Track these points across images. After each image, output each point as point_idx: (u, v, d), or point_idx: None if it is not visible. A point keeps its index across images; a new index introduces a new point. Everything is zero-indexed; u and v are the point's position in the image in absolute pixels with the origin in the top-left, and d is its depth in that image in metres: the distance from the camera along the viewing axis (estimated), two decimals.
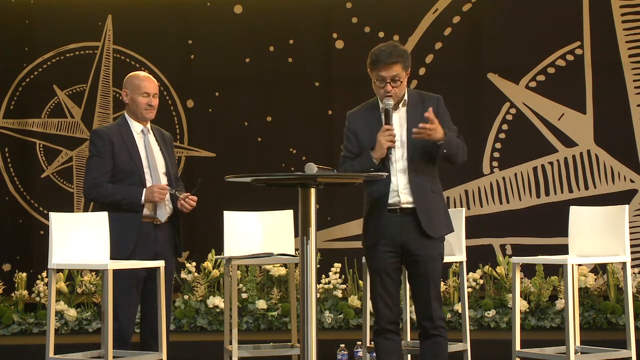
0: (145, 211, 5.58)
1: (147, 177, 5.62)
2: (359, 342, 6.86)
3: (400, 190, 4.98)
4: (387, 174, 4.93)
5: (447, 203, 8.63)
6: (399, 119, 5.03)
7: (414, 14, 8.80)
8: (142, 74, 5.79)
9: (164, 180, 5.68)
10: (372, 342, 5.17)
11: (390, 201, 4.99)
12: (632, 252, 5.93)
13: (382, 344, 5.08)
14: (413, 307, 7.06)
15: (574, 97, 8.61)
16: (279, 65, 8.92)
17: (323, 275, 7.90)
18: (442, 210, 5.09)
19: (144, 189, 5.57)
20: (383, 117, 5.01)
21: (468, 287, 7.37)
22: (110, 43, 9.01)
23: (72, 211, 8.73)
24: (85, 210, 8.76)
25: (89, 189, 5.63)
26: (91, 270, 7.81)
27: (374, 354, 6.62)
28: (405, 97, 5.05)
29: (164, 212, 5.64)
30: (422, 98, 5.09)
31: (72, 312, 7.77)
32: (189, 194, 5.70)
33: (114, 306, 5.45)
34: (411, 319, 6.47)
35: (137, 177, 5.59)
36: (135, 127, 5.69)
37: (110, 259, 5.45)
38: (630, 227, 5.83)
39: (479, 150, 8.71)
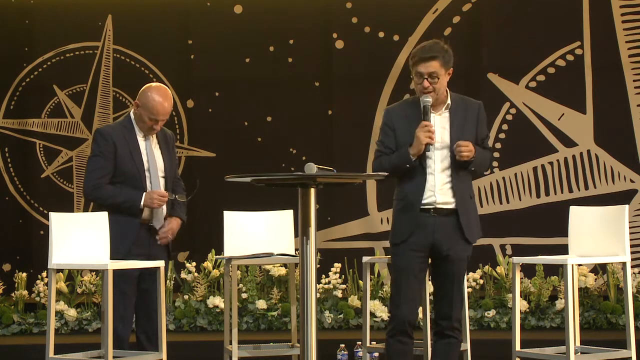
0: (143, 215, 5.58)
1: (147, 180, 5.62)
2: (359, 342, 6.86)
3: (437, 190, 4.96)
4: (386, 174, 4.93)
5: None
6: (440, 121, 5.00)
7: (414, 14, 8.80)
8: (161, 95, 5.60)
9: (162, 184, 5.68)
10: (385, 342, 5.10)
11: (425, 200, 4.96)
12: (632, 252, 5.93)
13: (395, 346, 5.03)
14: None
15: (574, 97, 8.61)
16: (279, 65, 8.91)
17: (323, 275, 7.90)
18: (476, 217, 5.09)
19: (144, 194, 5.56)
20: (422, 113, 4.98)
21: (468, 287, 7.37)
22: (110, 43, 9.01)
23: (72, 211, 8.73)
24: (85, 210, 8.76)
25: (89, 190, 5.63)
26: (91, 270, 7.81)
27: (375, 354, 6.65)
28: (449, 101, 5.02)
29: (160, 219, 5.65)
30: (464, 102, 5.08)
31: (72, 312, 7.77)
32: (184, 197, 5.72)
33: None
34: None
35: (137, 180, 5.59)
36: (139, 131, 5.68)
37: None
38: (630, 227, 5.83)
39: None
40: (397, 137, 5.04)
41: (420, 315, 5.68)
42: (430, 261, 5.05)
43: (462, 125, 5.00)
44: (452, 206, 4.96)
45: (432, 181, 4.97)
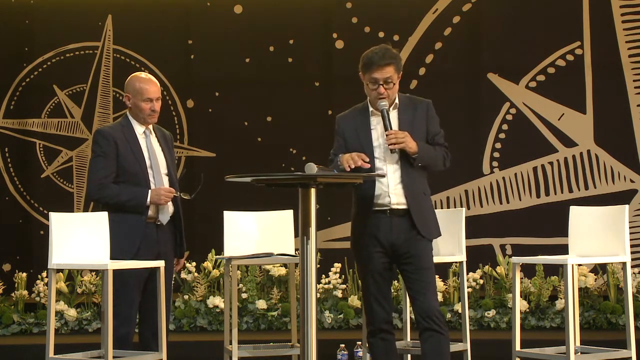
0: (149, 212, 5.58)
1: (150, 178, 5.62)
2: (359, 342, 6.86)
3: (391, 191, 4.99)
4: (383, 173, 4.95)
5: (447, 203, 8.70)
6: (390, 122, 5.03)
7: (414, 14, 8.80)
8: (144, 76, 5.71)
9: (165, 181, 5.67)
10: (367, 343, 5.16)
11: (379, 202, 4.99)
12: (632, 252, 5.92)
13: (378, 344, 5.08)
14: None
15: (574, 97, 8.61)
16: (279, 65, 8.92)
17: (323, 275, 7.90)
18: (432, 214, 5.12)
19: (149, 191, 5.56)
20: (373, 120, 5.02)
21: (468, 287, 7.37)
22: (110, 43, 9.02)
23: (72, 211, 8.73)
24: (85, 210, 8.77)
25: (94, 190, 5.61)
26: (91, 270, 7.81)
27: None
28: (397, 101, 5.07)
29: (167, 214, 5.64)
30: (412, 102, 5.13)
31: (72, 312, 7.77)
32: (188, 195, 5.71)
33: (115, 306, 5.45)
34: (411, 318, 6.48)
35: (141, 178, 5.59)
36: (138, 129, 5.68)
37: (114, 259, 5.44)
38: (630, 227, 5.82)
39: (479, 150, 8.71)
40: (347, 145, 5.09)
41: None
42: (396, 264, 5.07)
43: (410, 124, 5.03)
44: (405, 206, 4.99)
45: (386, 182, 5.00)
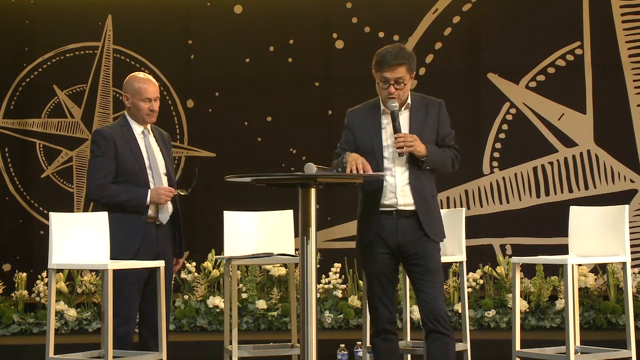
0: (149, 212, 5.58)
1: (150, 178, 5.62)
2: (359, 342, 6.86)
3: (399, 191, 4.97)
4: (385, 174, 4.93)
5: (447, 203, 8.70)
6: (401, 121, 5.02)
7: (414, 14, 8.80)
8: (142, 76, 5.72)
9: (164, 181, 5.68)
10: (371, 343, 5.16)
11: (386, 202, 4.97)
12: (632, 252, 5.92)
13: (382, 345, 5.08)
14: (414, 307, 7.10)
15: (574, 97, 8.61)
16: (279, 65, 8.92)
17: (323, 275, 7.90)
18: (439, 216, 5.09)
19: (149, 190, 5.56)
20: (383, 119, 5.00)
21: (468, 287, 7.37)
22: (110, 43, 9.02)
23: (72, 211, 8.73)
24: (85, 210, 8.77)
25: (93, 190, 5.61)
26: (91, 270, 7.81)
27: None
28: (409, 101, 5.03)
29: (166, 214, 5.64)
30: (425, 102, 5.08)
31: (72, 312, 7.77)
32: (184, 191, 5.72)
33: (115, 306, 5.45)
34: (411, 319, 6.48)
35: (140, 178, 5.59)
36: (137, 129, 5.69)
37: (114, 259, 5.44)
38: (630, 227, 5.82)
39: (479, 150, 8.71)
40: (357, 141, 5.07)
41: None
42: (403, 265, 5.06)
43: (421, 125, 5.01)
44: (412, 207, 4.97)
45: (394, 182, 4.97)
